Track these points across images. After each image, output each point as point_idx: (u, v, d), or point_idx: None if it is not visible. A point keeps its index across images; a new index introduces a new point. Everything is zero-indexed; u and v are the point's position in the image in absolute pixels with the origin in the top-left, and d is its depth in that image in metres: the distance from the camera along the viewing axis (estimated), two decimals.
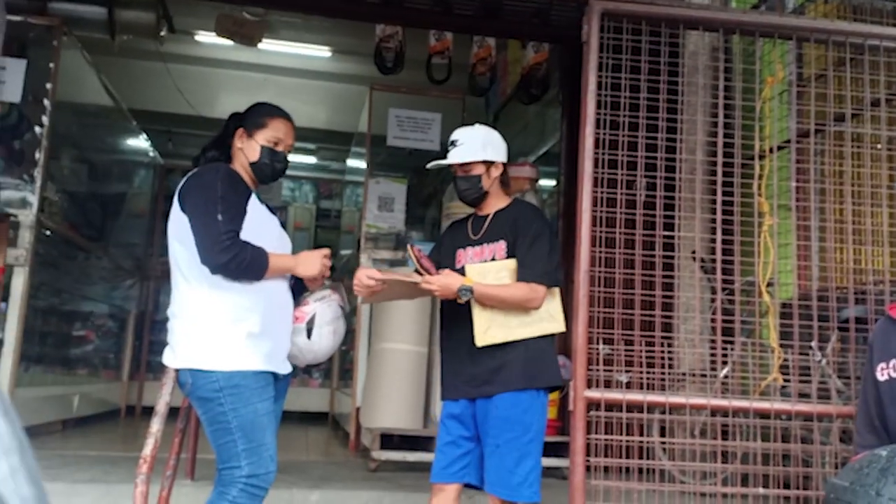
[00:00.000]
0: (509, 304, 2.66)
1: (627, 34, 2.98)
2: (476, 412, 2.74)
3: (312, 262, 2.58)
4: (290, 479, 3.84)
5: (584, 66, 2.94)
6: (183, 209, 2.47)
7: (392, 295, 2.97)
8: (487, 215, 2.86)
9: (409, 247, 2.78)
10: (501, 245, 2.77)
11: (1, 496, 0.42)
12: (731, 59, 3.58)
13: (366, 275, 2.66)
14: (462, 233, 2.92)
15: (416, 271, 2.70)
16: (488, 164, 2.81)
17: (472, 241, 2.85)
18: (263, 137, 2.62)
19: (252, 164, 2.62)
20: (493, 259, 2.76)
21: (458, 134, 2.85)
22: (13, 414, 0.46)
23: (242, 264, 2.39)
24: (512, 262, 2.72)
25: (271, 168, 2.65)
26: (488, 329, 2.67)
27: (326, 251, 2.64)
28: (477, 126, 2.92)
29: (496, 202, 2.87)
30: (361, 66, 7.38)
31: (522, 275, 2.68)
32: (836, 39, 3.17)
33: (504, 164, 2.87)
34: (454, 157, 2.81)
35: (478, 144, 2.80)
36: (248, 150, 2.62)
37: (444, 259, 2.91)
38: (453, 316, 2.79)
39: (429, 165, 2.91)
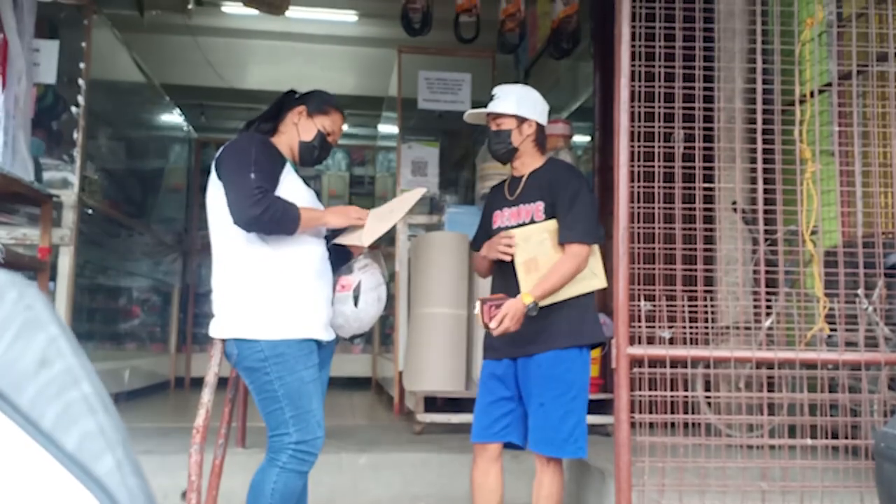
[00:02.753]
0: (567, 282, 2.65)
1: None
2: (518, 372, 2.76)
3: (342, 214, 2.60)
4: (338, 444, 3.91)
5: (616, 17, 2.87)
6: (219, 176, 2.50)
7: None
8: (523, 176, 2.86)
9: (478, 303, 2.67)
10: (539, 206, 2.75)
11: (108, 489, 0.44)
12: (767, 1, 3.47)
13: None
14: (500, 194, 2.94)
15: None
16: (521, 120, 2.79)
17: (509, 201, 2.85)
18: (321, 123, 2.68)
19: (303, 143, 2.66)
20: (531, 221, 2.74)
21: (498, 88, 2.88)
22: (113, 408, 0.48)
23: (275, 216, 2.38)
24: (552, 224, 2.70)
25: (318, 152, 2.70)
26: None
27: (361, 210, 2.64)
28: (519, 84, 2.95)
29: (531, 162, 2.86)
30: (388, 29, 7.33)
31: (565, 236, 2.67)
32: None
33: (540, 125, 2.84)
34: (488, 108, 2.82)
35: (512, 99, 2.80)
36: (303, 128, 2.67)
37: (484, 223, 2.95)
38: (496, 279, 2.80)
39: (465, 115, 2.94)
